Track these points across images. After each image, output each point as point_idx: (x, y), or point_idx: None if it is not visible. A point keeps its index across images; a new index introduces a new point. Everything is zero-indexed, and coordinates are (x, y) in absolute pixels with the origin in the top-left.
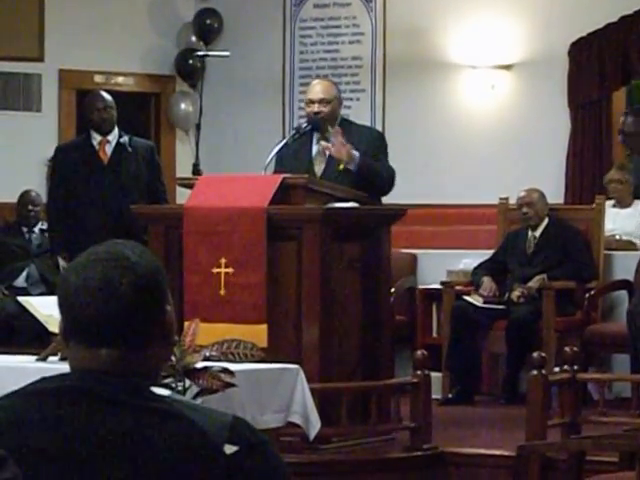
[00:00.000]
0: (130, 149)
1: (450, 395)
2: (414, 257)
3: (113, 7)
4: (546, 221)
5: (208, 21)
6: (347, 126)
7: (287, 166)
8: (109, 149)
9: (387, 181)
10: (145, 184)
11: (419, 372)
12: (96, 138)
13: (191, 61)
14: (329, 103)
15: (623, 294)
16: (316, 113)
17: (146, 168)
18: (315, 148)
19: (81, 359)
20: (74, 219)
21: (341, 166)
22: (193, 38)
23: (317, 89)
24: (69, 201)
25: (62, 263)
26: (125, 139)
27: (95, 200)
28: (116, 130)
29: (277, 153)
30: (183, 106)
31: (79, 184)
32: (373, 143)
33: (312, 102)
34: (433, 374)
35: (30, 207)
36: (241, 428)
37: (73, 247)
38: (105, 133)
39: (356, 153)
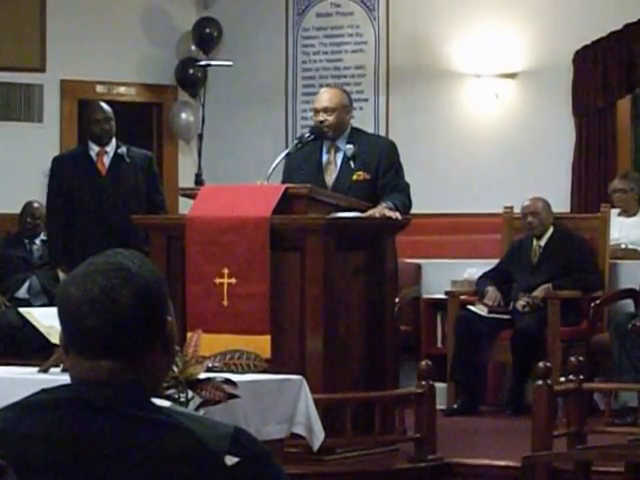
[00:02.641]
0: (128, 160)
1: (455, 405)
2: (418, 267)
3: (115, 17)
4: (551, 230)
5: (207, 30)
6: (358, 135)
7: (296, 176)
8: (107, 160)
9: (410, 203)
10: (143, 194)
11: (424, 382)
12: (94, 149)
13: (191, 70)
14: (334, 112)
15: (629, 303)
16: (321, 122)
17: (144, 178)
18: (325, 157)
19: (81, 370)
20: (73, 230)
21: (354, 177)
22: (193, 47)
23: (322, 98)
24: (67, 212)
25: (62, 275)
26: (123, 150)
27: (94, 211)
28: (114, 141)
29: (285, 163)
30: (184, 116)
31: (77, 195)
32: (385, 154)
33: (317, 111)
34: (438, 384)
35: (31, 219)
36: (242, 439)
37: (72, 259)
38: (103, 144)
39: (386, 204)
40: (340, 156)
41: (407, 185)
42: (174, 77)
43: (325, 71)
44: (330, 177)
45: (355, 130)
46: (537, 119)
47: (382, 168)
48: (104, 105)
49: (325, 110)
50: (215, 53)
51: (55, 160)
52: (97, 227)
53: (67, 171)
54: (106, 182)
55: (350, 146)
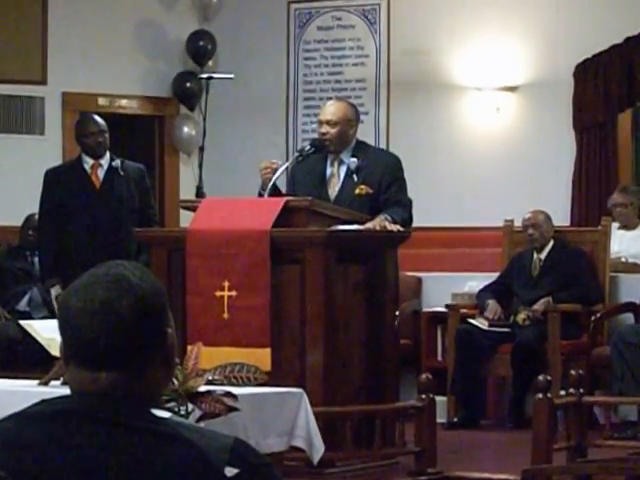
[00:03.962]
0: (122, 173)
1: (455, 419)
2: (419, 280)
3: (116, 30)
4: (551, 243)
5: (201, 43)
6: (363, 149)
7: (300, 188)
8: (101, 173)
9: (411, 219)
10: (136, 208)
11: (424, 396)
12: (88, 162)
13: (188, 84)
14: (337, 125)
15: (629, 317)
16: (323, 134)
17: (137, 191)
18: (329, 170)
19: (81, 381)
20: (64, 243)
21: (357, 190)
22: (191, 61)
23: (327, 110)
24: (60, 225)
25: (53, 291)
26: (117, 163)
27: (86, 224)
28: (108, 154)
29: (290, 174)
30: (185, 129)
31: (70, 208)
32: (389, 169)
33: (321, 123)
34: (438, 398)
35: (33, 231)
36: (242, 450)
37: (63, 272)
38: (98, 157)
39: (384, 216)
40: (343, 169)
41: (410, 201)
42: (171, 90)
43: (326, 84)
44: (333, 190)
45: (360, 144)
46: (538, 132)
47: (385, 183)
48: (98, 118)
49: (328, 123)
50: (214, 66)
51: (48, 173)
52: (89, 240)
53: (60, 184)
54: (100, 195)
55: (354, 159)
